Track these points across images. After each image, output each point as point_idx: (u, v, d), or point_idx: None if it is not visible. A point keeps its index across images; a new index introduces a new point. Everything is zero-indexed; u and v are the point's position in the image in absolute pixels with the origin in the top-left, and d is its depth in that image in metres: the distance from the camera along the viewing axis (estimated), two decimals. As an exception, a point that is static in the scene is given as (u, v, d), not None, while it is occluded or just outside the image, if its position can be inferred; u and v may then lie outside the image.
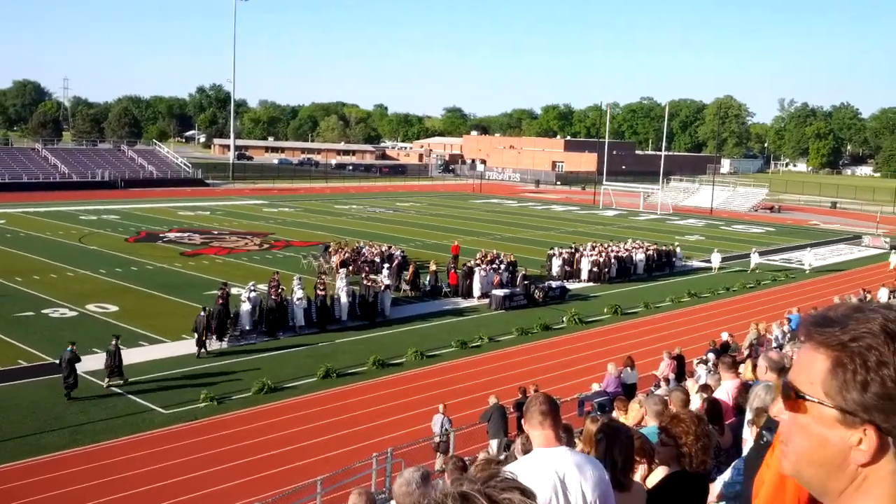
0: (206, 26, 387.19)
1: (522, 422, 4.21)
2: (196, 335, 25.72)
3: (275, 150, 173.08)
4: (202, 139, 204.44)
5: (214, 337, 26.41)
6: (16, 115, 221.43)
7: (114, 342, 22.87)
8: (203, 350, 25.76)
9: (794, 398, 1.64)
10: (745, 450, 6.10)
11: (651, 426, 7.10)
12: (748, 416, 6.51)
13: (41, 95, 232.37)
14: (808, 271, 45.88)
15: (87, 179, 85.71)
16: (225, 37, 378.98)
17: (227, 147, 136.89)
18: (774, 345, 23.62)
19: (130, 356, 25.07)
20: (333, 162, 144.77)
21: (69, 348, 21.90)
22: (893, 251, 50.39)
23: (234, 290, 30.35)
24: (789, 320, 26.95)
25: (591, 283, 40.22)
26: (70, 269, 38.40)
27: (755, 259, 46.85)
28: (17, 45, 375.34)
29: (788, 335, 24.57)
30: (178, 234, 51.72)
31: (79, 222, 56.09)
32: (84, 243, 46.88)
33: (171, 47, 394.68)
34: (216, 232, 53.87)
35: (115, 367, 22.59)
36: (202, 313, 25.89)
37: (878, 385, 1.55)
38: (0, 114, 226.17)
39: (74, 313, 30.16)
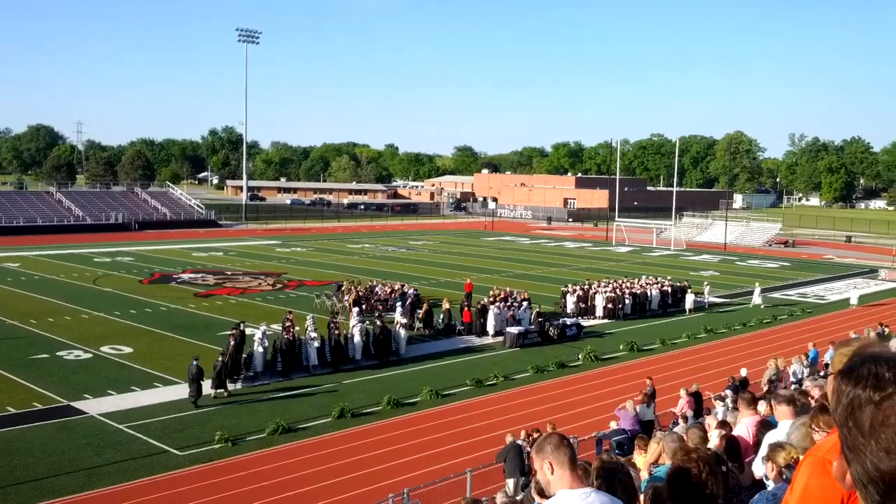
0: (217, 69, 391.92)
1: (538, 464, 3.97)
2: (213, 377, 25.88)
3: (287, 190, 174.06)
4: (215, 181, 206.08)
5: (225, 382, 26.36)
6: (30, 159, 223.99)
7: (219, 359, 25.79)
8: (223, 391, 25.86)
9: None
10: (769, 485, 6.00)
11: (668, 465, 6.99)
12: (763, 451, 6.42)
13: (55, 139, 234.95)
14: (761, 307, 45.17)
15: (101, 222, 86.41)
16: (237, 80, 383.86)
17: (240, 188, 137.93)
18: (793, 380, 23.38)
19: (145, 398, 25.07)
20: (345, 201, 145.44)
21: (194, 362, 24.57)
22: (855, 289, 50.03)
23: (247, 331, 30.28)
24: (808, 356, 26.73)
25: (605, 320, 40.04)
26: (84, 311, 38.50)
27: (855, 296, 47.15)
28: (31, 90, 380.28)
29: (807, 370, 24.34)
30: (192, 275, 51.88)
31: (93, 264, 56.36)
32: (98, 285, 47.05)
33: (183, 90, 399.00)
34: (229, 272, 54.01)
35: (221, 381, 25.46)
36: (220, 359, 26.08)
37: None
38: (15, 158, 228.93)
39: (89, 355, 30.16)
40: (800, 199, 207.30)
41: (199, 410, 24.16)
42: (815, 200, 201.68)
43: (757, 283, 48.36)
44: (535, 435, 19.10)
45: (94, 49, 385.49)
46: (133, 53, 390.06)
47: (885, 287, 55.78)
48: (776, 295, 50.36)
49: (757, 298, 45.78)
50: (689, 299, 43.42)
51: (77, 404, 24.28)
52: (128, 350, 31.08)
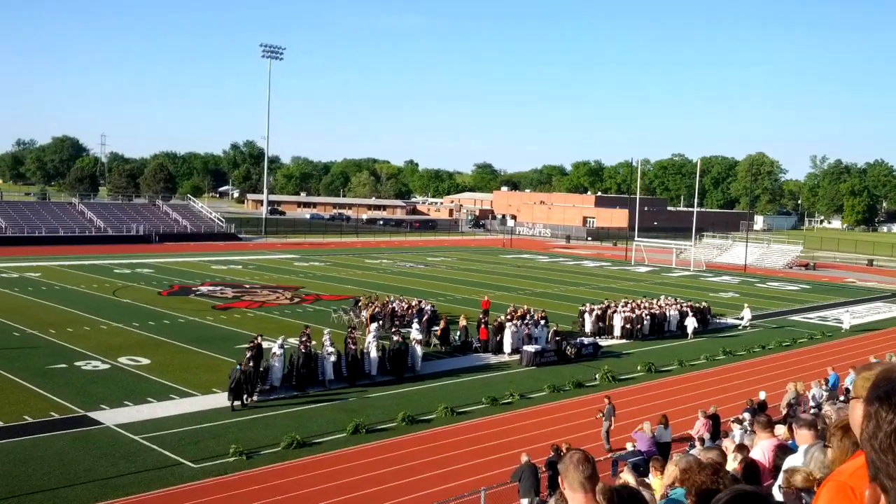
0: (240, 84, 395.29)
1: (560, 481, 4.07)
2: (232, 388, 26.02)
3: (307, 205, 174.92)
4: (236, 194, 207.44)
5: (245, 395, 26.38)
6: (54, 170, 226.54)
7: (250, 364, 26.44)
8: (238, 403, 25.90)
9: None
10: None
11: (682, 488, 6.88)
12: (781, 477, 6.31)
13: (79, 151, 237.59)
14: (747, 327, 44.88)
15: (122, 234, 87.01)
16: (259, 95, 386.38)
17: (260, 202, 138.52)
18: (812, 404, 23.11)
19: (161, 409, 25.12)
20: (364, 217, 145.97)
21: (238, 367, 25.83)
22: (847, 313, 49.10)
23: (264, 344, 30.31)
24: (827, 380, 26.42)
25: (623, 340, 39.80)
26: (103, 322, 38.70)
27: (847, 320, 46.48)
28: (56, 102, 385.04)
29: (827, 394, 24.06)
30: (211, 288, 52.08)
31: (113, 276, 56.71)
32: (118, 296, 47.31)
33: (206, 105, 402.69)
34: (248, 286, 54.19)
35: (237, 393, 25.89)
36: (239, 367, 26.12)
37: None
38: (39, 169, 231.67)
39: (107, 366, 30.28)
40: (821, 222, 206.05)
41: (214, 423, 24.15)
42: (836, 223, 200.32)
43: (746, 305, 47.96)
44: (559, 451, 18.98)
45: (119, 62, 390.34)
46: (157, 67, 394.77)
47: (886, 315, 55.09)
48: (797, 318, 49.93)
49: (746, 320, 45.50)
50: (691, 323, 42.14)
51: (93, 414, 24.36)
52: (145, 361, 31.18)
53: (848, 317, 47.22)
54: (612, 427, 23.55)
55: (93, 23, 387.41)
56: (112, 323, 38.63)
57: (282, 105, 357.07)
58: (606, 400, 24.24)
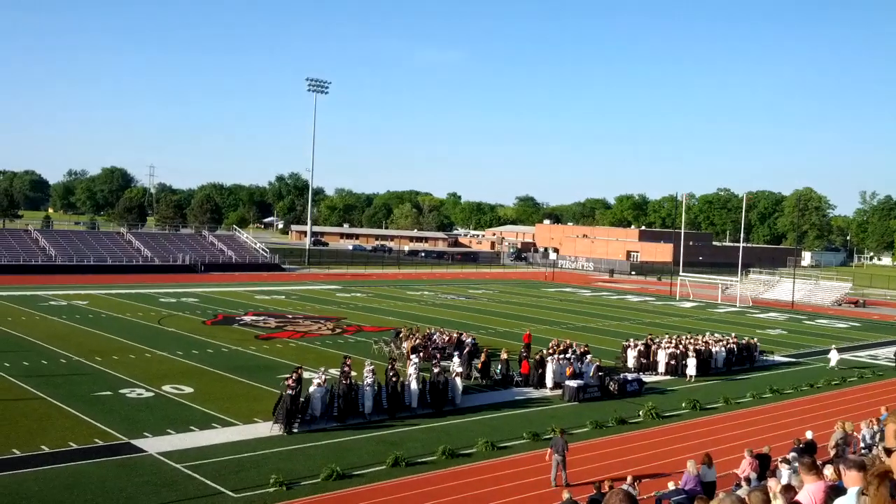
0: (286, 118, 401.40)
1: None
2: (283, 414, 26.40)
3: (349, 236, 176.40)
4: (280, 225, 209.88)
5: (283, 423, 26.48)
6: (104, 200, 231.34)
7: (292, 391, 26.47)
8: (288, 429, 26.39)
9: None
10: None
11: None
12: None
13: (128, 182, 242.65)
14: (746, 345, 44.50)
15: (168, 263, 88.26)
16: (305, 128, 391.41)
17: (304, 233, 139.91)
18: (862, 445, 22.51)
19: (203, 438, 25.23)
20: (406, 248, 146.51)
21: (289, 392, 26.25)
22: (834, 350, 46.88)
23: (305, 375, 30.38)
24: (879, 420, 25.75)
25: (668, 377, 39.22)
26: (148, 350, 39.14)
27: (835, 357, 45.07)
28: (107, 134, 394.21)
29: (879, 435, 23.42)
30: (254, 318, 52.49)
31: (159, 304, 57.45)
32: (163, 325, 47.87)
33: (252, 137, 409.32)
34: (290, 316, 54.52)
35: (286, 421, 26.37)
36: (290, 392, 26.56)
37: None
38: (89, 198, 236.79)
39: (150, 394, 30.56)
40: (871, 258, 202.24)
41: (255, 453, 24.18)
42: (887, 260, 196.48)
43: (722, 332, 47.49)
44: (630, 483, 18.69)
45: (168, 96, 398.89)
46: (206, 101, 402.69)
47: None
48: (846, 356, 48.85)
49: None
50: (692, 364, 39.24)
51: (137, 442, 24.54)
52: (188, 390, 31.42)
53: (836, 354, 45.64)
54: (564, 461, 22.85)
55: (142, 58, 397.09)
56: (157, 351, 39.05)
57: (326, 138, 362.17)
58: (559, 433, 23.99)
